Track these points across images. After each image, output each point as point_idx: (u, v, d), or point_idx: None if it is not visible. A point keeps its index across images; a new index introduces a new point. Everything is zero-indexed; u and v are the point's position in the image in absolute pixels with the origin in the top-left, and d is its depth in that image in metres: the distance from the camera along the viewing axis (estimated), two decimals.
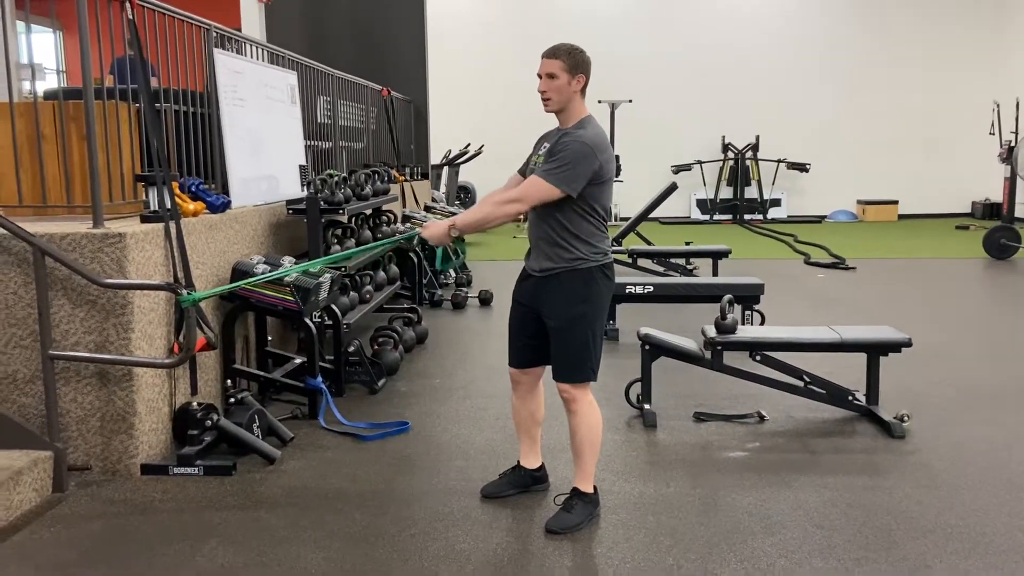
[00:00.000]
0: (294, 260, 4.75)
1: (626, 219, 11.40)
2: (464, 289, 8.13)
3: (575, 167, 3.10)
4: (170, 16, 4.40)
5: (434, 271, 8.24)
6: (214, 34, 4.87)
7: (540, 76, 3.21)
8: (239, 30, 7.72)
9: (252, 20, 8.84)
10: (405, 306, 6.85)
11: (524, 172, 3.39)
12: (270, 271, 4.36)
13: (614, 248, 8.79)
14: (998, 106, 12.32)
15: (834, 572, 2.89)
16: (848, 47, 15.71)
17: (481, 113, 15.35)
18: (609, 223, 3.32)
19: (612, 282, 3.29)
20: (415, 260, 7.56)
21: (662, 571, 2.91)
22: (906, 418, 4.30)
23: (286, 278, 4.37)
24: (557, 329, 3.25)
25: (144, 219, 3.92)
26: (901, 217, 15.78)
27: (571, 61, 3.17)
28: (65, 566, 2.99)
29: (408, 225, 7.55)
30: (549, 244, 3.23)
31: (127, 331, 3.65)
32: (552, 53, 3.20)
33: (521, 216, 3.32)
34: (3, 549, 3.09)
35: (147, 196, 3.94)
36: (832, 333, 4.55)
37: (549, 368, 3.35)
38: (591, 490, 3.35)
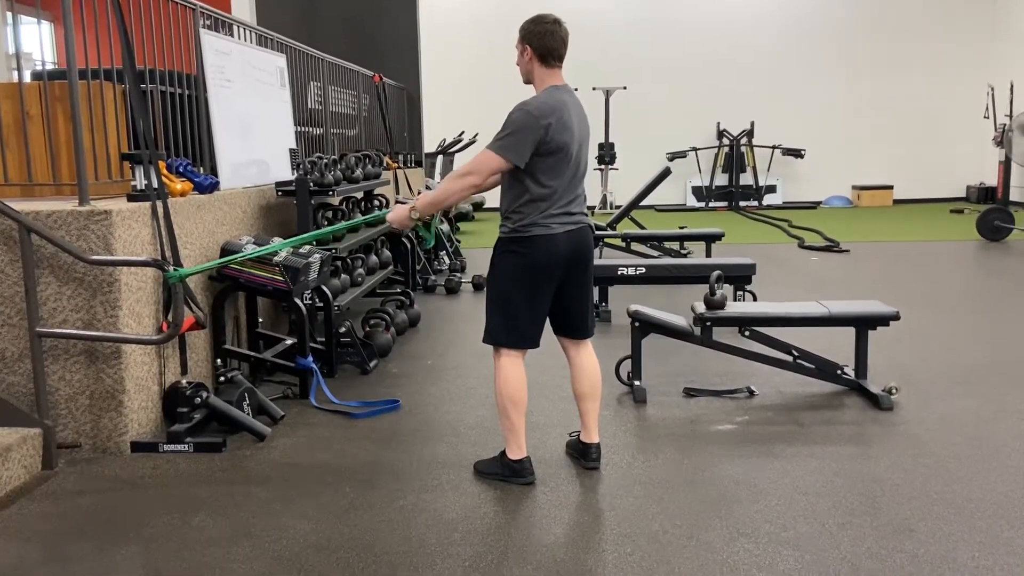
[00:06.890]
0: None
1: (620, 206, 11.40)
2: (458, 274, 8.13)
3: (516, 135, 3.15)
4: None
5: (427, 255, 8.25)
6: (200, 14, 4.86)
7: None
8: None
9: (242, 6, 8.82)
10: (398, 290, 6.85)
11: None
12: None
13: (608, 233, 8.83)
14: (992, 90, 12.32)
15: (818, 536, 2.90)
16: (842, 33, 15.69)
17: (476, 101, 15.26)
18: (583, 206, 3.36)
19: (529, 253, 3.24)
20: (408, 245, 7.56)
21: (647, 538, 2.92)
22: (894, 390, 4.31)
23: (275, 257, 4.37)
24: None
25: (131, 198, 3.93)
26: (896, 202, 15.78)
27: (520, 34, 3.31)
28: (53, 538, 3.00)
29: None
30: (501, 217, 3.33)
31: (114, 308, 3.66)
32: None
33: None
34: None
35: (134, 175, 3.95)
36: (820, 307, 4.56)
37: (579, 341, 3.53)
38: (512, 456, 3.40)
